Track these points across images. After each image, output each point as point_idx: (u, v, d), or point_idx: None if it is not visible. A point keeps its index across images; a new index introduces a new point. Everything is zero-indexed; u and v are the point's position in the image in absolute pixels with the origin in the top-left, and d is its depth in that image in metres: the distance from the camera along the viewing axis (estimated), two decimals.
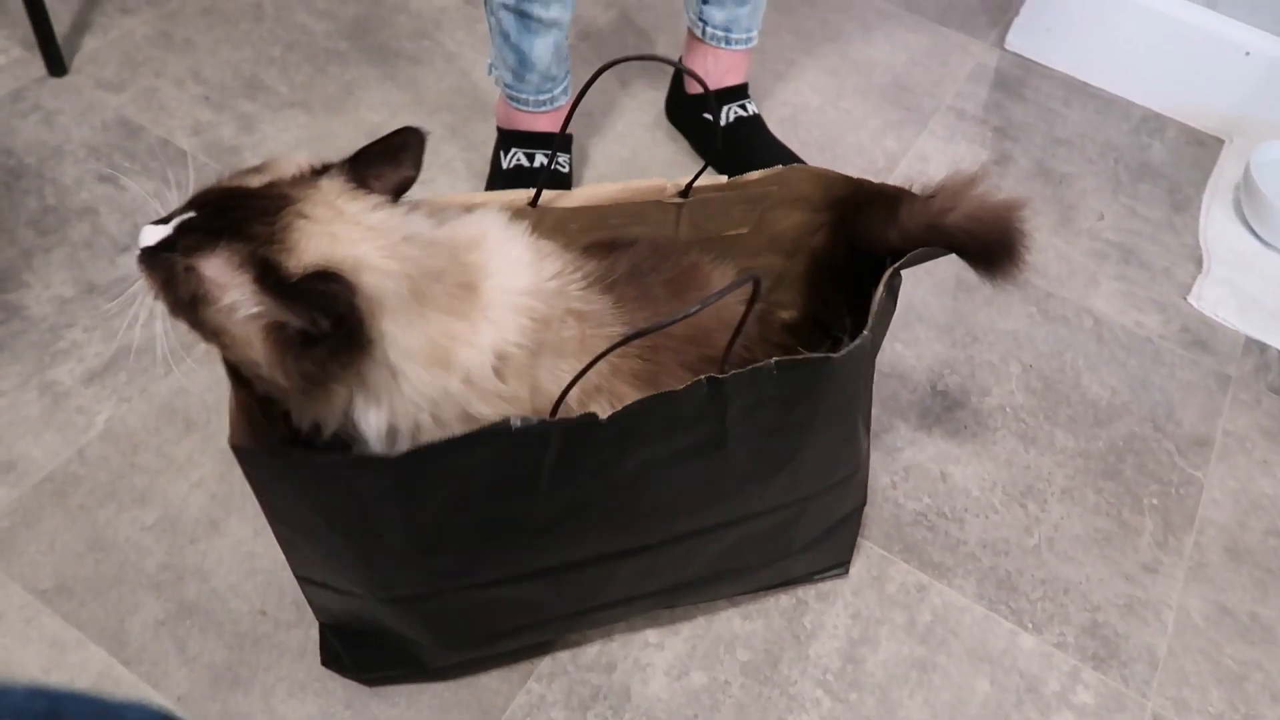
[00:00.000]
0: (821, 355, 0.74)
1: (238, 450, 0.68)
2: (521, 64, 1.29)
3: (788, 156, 1.47)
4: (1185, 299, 1.42)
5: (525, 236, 0.78)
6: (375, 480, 0.70)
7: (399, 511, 0.73)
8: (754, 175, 0.92)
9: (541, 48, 1.27)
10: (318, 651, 0.96)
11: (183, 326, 0.69)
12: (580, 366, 0.69)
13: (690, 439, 0.75)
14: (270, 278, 0.65)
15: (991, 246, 0.88)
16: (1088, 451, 1.23)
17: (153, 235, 0.67)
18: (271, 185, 0.70)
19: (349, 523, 0.75)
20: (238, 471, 1.07)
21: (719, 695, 0.98)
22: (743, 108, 1.48)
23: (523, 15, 1.23)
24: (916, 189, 0.89)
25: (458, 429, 0.71)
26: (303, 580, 0.86)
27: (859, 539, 1.10)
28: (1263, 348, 1.37)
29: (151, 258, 0.67)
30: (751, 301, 0.68)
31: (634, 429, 0.72)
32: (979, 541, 1.13)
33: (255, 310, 0.65)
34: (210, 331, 0.67)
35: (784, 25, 1.75)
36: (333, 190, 0.70)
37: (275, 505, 0.78)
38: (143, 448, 1.09)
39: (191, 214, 0.68)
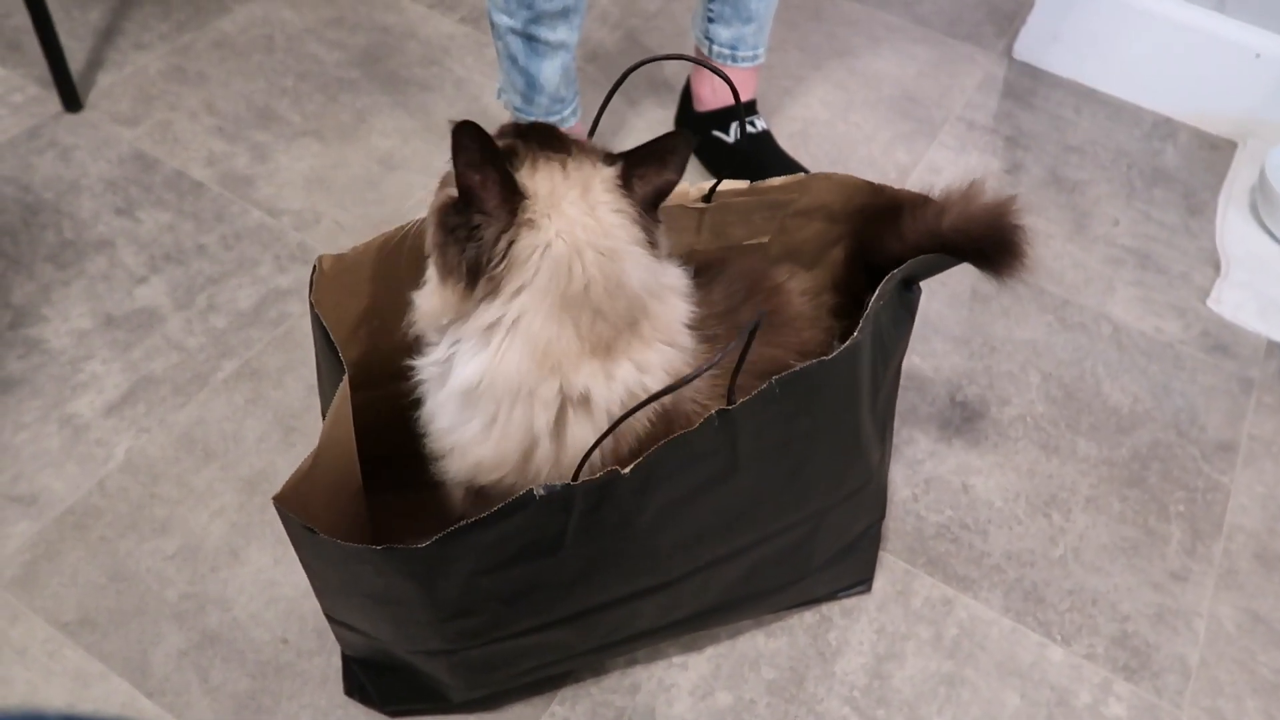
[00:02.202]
0: (815, 361, 0.74)
1: (281, 510, 0.69)
2: (530, 87, 1.30)
3: (798, 170, 1.47)
4: (1204, 303, 1.41)
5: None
6: (402, 565, 0.71)
7: (426, 589, 0.73)
8: (777, 181, 0.92)
9: (550, 70, 1.28)
10: (340, 680, 0.95)
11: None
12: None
13: (704, 473, 0.76)
14: (492, 154, 0.69)
15: (989, 245, 0.88)
16: (1111, 459, 1.21)
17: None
18: (578, 142, 0.76)
19: (377, 594, 0.75)
20: (257, 499, 1.08)
21: (745, 715, 0.97)
22: (751, 124, 1.48)
23: (530, 39, 1.24)
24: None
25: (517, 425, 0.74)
26: (331, 620, 0.86)
27: (882, 553, 1.09)
28: None
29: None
30: (749, 339, 0.68)
31: (653, 475, 0.72)
32: (1004, 553, 1.11)
33: (454, 177, 0.71)
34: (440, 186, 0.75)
35: (791, 41, 1.75)
36: (601, 176, 0.74)
37: (310, 562, 0.78)
38: (162, 478, 1.09)
39: (526, 124, 0.77)
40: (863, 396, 0.84)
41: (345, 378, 0.74)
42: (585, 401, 0.74)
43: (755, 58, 1.45)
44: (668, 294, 0.77)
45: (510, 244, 0.70)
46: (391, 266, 0.84)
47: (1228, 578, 1.12)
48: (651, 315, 0.75)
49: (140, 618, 0.99)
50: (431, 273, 0.76)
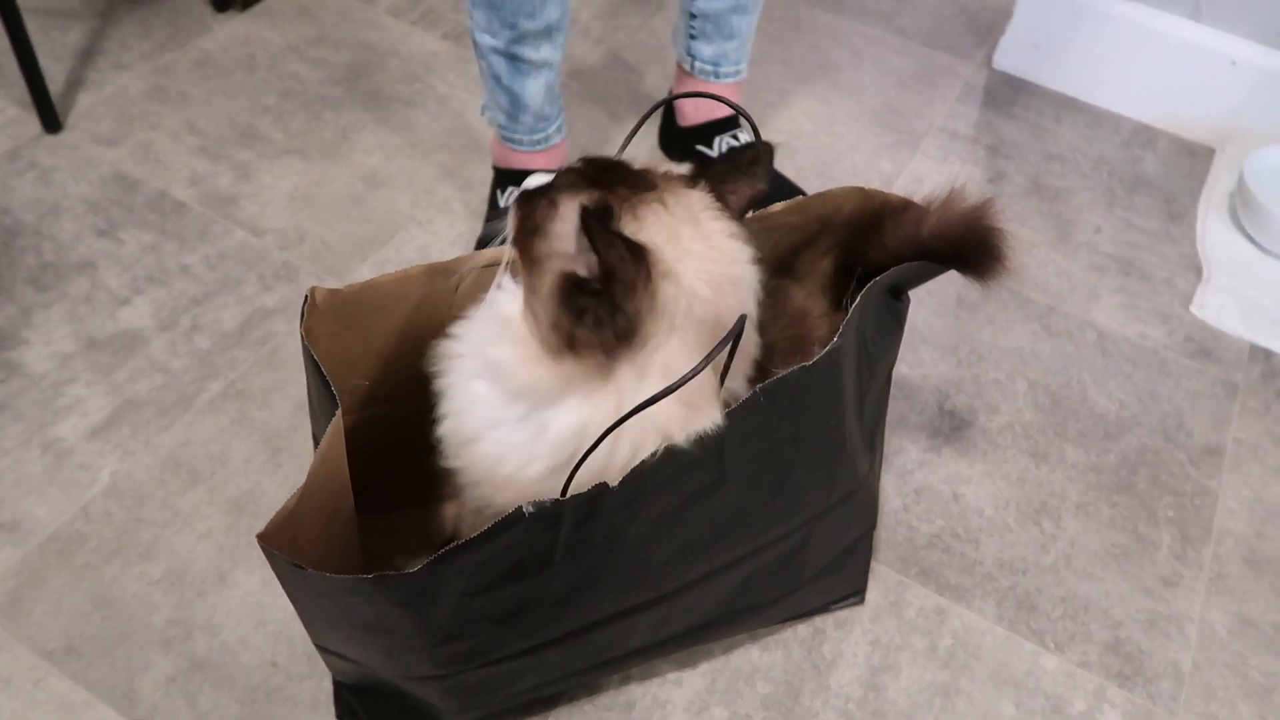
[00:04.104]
0: (796, 368, 0.74)
1: (266, 549, 0.67)
2: (514, 106, 1.30)
3: (781, 182, 1.47)
4: (1187, 308, 1.42)
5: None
6: (394, 592, 0.70)
7: (417, 614, 0.73)
8: (778, 206, 0.92)
9: (534, 89, 1.28)
10: (331, 704, 0.94)
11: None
12: None
13: (693, 484, 0.75)
14: (598, 219, 0.67)
15: (970, 249, 0.87)
16: (1099, 466, 1.22)
17: (535, 180, 0.75)
18: (649, 171, 0.74)
19: (368, 624, 0.75)
20: (245, 521, 1.07)
21: None
22: (735, 138, 1.48)
23: (513, 58, 1.24)
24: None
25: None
26: (321, 649, 0.85)
27: (874, 564, 1.08)
28: (1268, 354, 1.37)
29: (527, 197, 0.74)
30: (735, 341, 0.67)
31: (642, 488, 0.71)
32: (995, 562, 1.11)
33: (567, 249, 0.69)
34: (530, 262, 0.72)
35: (773, 55, 1.76)
36: (700, 202, 0.73)
37: (298, 597, 0.77)
38: (147, 501, 1.08)
39: (578, 165, 0.74)
40: (847, 403, 0.84)
41: (339, 412, 0.73)
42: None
43: (738, 73, 1.45)
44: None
45: (652, 300, 0.68)
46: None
47: (1218, 582, 1.12)
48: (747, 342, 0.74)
49: (126, 644, 0.97)
50: (526, 341, 0.72)
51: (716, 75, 1.44)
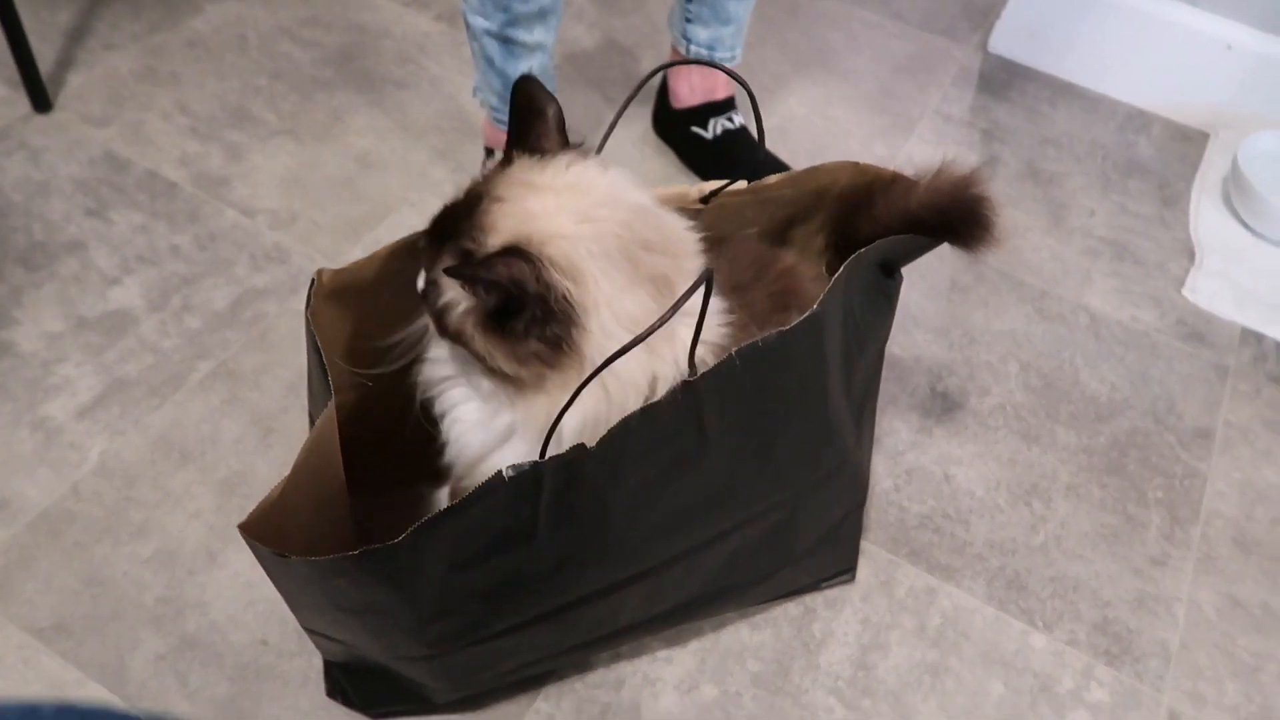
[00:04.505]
0: (773, 332, 0.73)
1: (247, 538, 0.67)
2: (507, 88, 1.29)
3: (776, 165, 1.47)
4: (1180, 292, 1.42)
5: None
6: (379, 567, 0.69)
7: (403, 591, 0.72)
8: (773, 179, 0.92)
9: (526, 71, 1.27)
10: (321, 681, 0.94)
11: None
12: None
13: (674, 451, 0.75)
14: (461, 264, 0.68)
15: (958, 219, 0.87)
16: (1090, 448, 1.22)
17: (420, 280, 0.74)
18: (471, 188, 0.73)
19: (355, 607, 0.74)
20: (235, 501, 1.07)
21: (730, 708, 0.97)
22: (730, 120, 1.48)
23: (506, 41, 1.24)
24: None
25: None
26: (309, 631, 0.85)
27: (865, 543, 1.09)
28: (1259, 338, 1.37)
29: (422, 297, 0.74)
30: (705, 296, 0.66)
31: (622, 452, 0.71)
32: (986, 542, 1.12)
33: (466, 304, 0.70)
34: (454, 338, 0.72)
35: (769, 39, 1.75)
36: (520, 168, 0.73)
37: (283, 584, 0.77)
38: (138, 481, 1.08)
39: (421, 244, 0.74)
40: (831, 374, 0.83)
41: (332, 403, 0.72)
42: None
43: (733, 58, 1.45)
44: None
45: (561, 272, 0.68)
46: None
47: (1206, 563, 1.12)
48: (669, 235, 0.73)
49: (117, 623, 0.97)
50: (521, 395, 0.73)
51: (712, 59, 1.43)
